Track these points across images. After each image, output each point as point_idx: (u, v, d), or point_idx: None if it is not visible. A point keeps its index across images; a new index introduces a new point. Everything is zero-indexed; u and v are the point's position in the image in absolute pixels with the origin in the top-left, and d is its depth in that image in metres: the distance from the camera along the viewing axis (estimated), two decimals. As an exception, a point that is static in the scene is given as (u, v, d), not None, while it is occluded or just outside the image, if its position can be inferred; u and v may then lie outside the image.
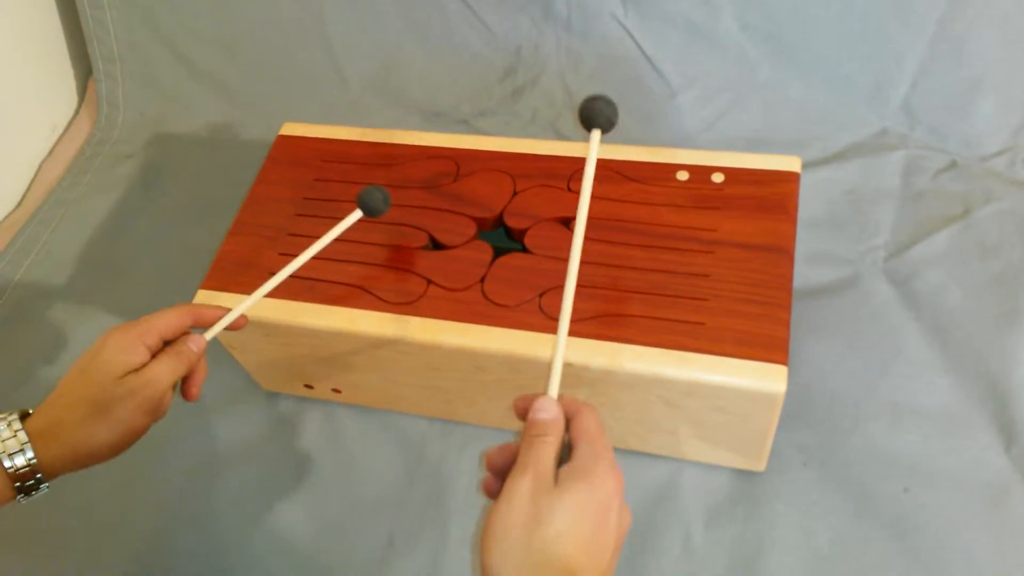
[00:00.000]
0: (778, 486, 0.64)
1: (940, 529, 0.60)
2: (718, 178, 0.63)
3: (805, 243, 0.71)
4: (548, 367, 0.40)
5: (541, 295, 0.59)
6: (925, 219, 0.77)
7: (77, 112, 1.06)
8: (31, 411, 0.47)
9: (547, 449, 0.37)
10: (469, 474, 0.68)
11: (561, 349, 0.41)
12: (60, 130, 1.04)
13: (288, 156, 0.72)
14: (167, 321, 0.49)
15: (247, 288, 0.63)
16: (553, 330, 0.57)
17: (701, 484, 0.65)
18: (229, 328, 0.53)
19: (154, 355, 0.48)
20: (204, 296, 0.64)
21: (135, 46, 1.02)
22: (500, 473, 0.39)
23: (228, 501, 0.69)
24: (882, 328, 0.71)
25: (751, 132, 0.86)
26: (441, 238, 0.64)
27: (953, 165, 0.80)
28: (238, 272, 0.65)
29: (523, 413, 0.39)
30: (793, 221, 0.61)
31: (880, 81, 0.83)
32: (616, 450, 0.66)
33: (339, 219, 0.66)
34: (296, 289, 0.62)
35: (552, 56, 0.93)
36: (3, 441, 0.44)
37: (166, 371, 0.47)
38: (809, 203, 0.75)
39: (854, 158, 0.82)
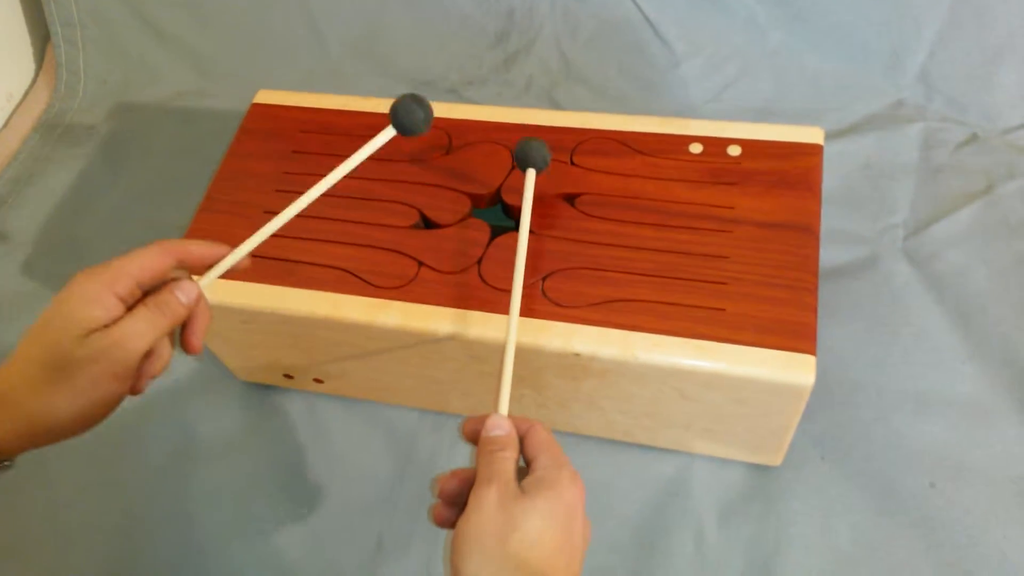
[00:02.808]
0: (795, 482, 0.61)
1: (969, 526, 0.58)
2: (734, 151, 0.59)
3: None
4: (497, 380, 0.41)
5: (544, 278, 0.55)
6: (946, 195, 0.74)
7: (34, 81, 1.01)
8: None
9: (507, 463, 0.38)
10: (464, 470, 0.64)
11: (509, 365, 0.42)
12: (16, 100, 0.98)
13: (264, 126, 0.67)
14: (142, 263, 0.39)
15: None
16: (559, 317, 0.53)
17: (713, 479, 0.61)
18: (231, 272, 0.43)
19: (129, 306, 0.39)
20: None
21: (97, 8, 0.97)
22: (453, 500, 0.39)
23: (202, 502, 0.65)
24: (903, 312, 0.68)
25: (760, 103, 0.82)
26: (433, 216, 0.59)
27: (974, 138, 0.77)
28: (209, 253, 0.59)
29: (474, 435, 0.40)
30: (817, 197, 0.57)
31: (897, 48, 0.80)
32: (623, 444, 0.63)
33: (322, 195, 0.62)
34: (275, 272, 0.58)
35: (547, 20, 0.89)
36: None
37: (143, 327, 0.38)
38: (823, 178, 0.71)
39: (869, 131, 0.79)
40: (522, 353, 0.53)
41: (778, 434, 0.56)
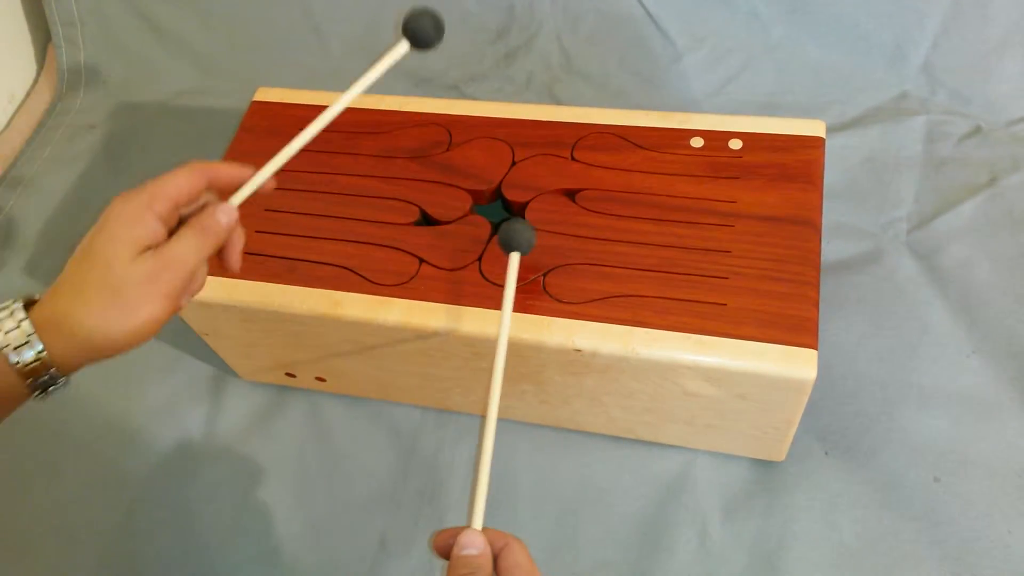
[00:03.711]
0: (798, 476, 0.60)
1: (973, 520, 0.57)
2: (736, 145, 0.59)
3: (823, 215, 0.67)
4: (472, 494, 0.38)
5: (545, 274, 0.54)
6: (949, 188, 0.73)
7: (36, 81, 1.00)
8: (37, 297, 0.40)
9: None
10: (466, 467, 0.64)
11: (486, 470, 0.38)
12: (18, 100, 0.98)
13: (263, 124, 0.67)
14: (177, 184, 0.40)
15: (219, 270, 0.58)
16: (560, 312, 0.52)
17: (716, 475, 0.61)
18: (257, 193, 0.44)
19: (169, 228, 0.40)
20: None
21: (97, 8, 0.97)
22: None
23: (204, 500, 0.65)
24: (907, 306, 0.67)
25: (763, 96, 0.81)
26: (434, 213, 0.59)
27: (977, 131, 0.77)
28: (210, 252, 0.59)
29: (445, 551, 0.37)
30: (819, 190, 0.56)
31: (900, 41, 0.79)
32: (625, 440, 0.63)
33: (322, 192, 0.62)
34: (275, 270, 0.57)
35: (548, 15, 0.89)
36: (5, 333, 0.38)
37: (190, 250, 0.40)
38: (826, 172, 0.71)
39: (873, 124, 0.78)
40: (523, 349, 0.53)
41: (781, 429, 0.56)
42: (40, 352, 0.38)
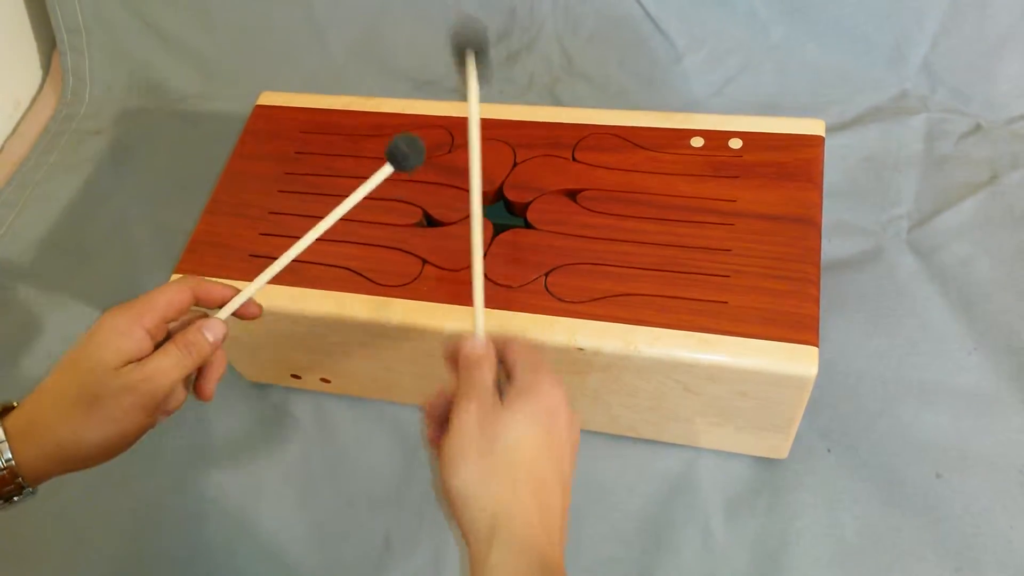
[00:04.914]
0: (801, 474, 0.61)
1: (975, 516, 0.57)
2: (736, 144, 0.59)
3: (823, 214, 0.67)
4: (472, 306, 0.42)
5: (547, 274, 0.55)
6: (949, 186, 0.74)
7: (41, 87, 1.01)
8: (15, 404, 0.41)
9: (483, 374, 0.38)
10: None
11: (480, 284, 0.42)
12: (24, 107, 0.99)
13: (267, 128, 0.67)
14: (167, 298, 0.41)
15: (225, 272, 0.58)
16: (562, 312, 0.53)
17: (719, 474, 0.61)
18: (240, 315, 0.44)
19: (157, 341, 0.41)
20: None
21: (102, 15, 0.97)
22: (440, 419, 0.39)
23: (211, 501, 0.65)
24: (907, 303, 0.67)
25: (763, 97, 0.82)
26: (436, 214, 0.59)
27: (977, 129, 0.77)
28: (215, 254, 0.60)
29: (453, 358, 0.40)
30: (819, 189, 0.57)
31: (899, 40, 0.80)
32: (628, 439, 0.64)
33: (325, 195, 0.62)
34: (280, 272, 0.57)
35: (549, 17, 0.89)
36: None
37: (171, 364, 0.40)
38: (826, 171, 0.71)
39: (873, 123, 0.78)
40: (526, 348, 0.53)
41: (783, 427, 0.56)
42: (8, 461, 0.39)
